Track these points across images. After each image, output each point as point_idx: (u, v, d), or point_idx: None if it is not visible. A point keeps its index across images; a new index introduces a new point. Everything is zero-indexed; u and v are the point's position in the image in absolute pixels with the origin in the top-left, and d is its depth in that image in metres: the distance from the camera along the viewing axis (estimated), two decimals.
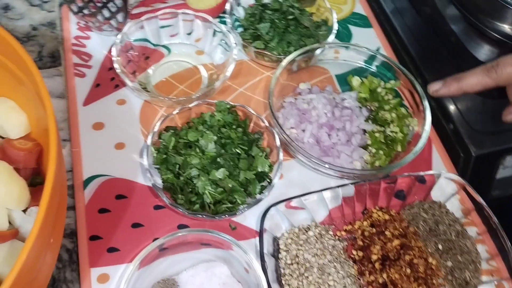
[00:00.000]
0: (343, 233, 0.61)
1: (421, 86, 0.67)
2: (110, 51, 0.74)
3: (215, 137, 0.58)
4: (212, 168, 0.57)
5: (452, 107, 0.76)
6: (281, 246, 0.58)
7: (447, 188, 0.63)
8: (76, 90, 0.70)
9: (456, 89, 0.62)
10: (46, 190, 0.40)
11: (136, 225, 0.60)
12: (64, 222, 0.49)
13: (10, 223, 0.53)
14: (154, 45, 0.75)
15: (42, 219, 0.39)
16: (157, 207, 0.62)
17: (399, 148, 0.64)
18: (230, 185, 0.56)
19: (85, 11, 0.74)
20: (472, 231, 0.61)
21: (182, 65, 0.74)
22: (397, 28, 0.85)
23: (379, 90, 0.68)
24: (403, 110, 0.67)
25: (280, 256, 0.58)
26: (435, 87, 0.64)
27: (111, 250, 0.58)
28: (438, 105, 0.75)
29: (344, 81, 0.74)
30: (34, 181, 0.57)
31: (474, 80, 0.61)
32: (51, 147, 0.42)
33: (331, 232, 0.60)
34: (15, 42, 0.49)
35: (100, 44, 0.75)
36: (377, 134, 0.65)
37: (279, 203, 0.59)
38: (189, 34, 0.76)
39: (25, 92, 0.54)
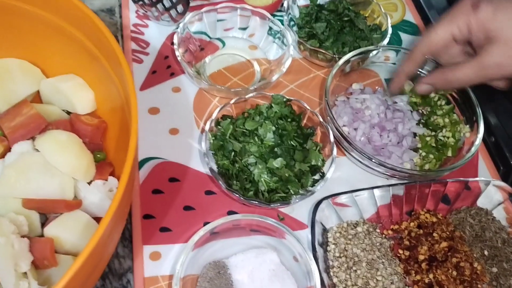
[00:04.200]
0: (390, 232, 0.62)
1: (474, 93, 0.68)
2: (167, 40, 0.76)
3: (273, 127, 0.60)
4: (270, 157, 0.58)
5: (493, 120, 0.76)
6: (330, 239, 0.59)
7: (495, 195, 0.63)
8: (133, 75, 0.72)
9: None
10: (128, 161, 0.41)
11: (187, 208, 0.62)
12: (132, 195, 0.51)
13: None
14: (209, 37, 0.77)
15: (124, 187, 0.40)
16: (208, 193, 0.63)
17: (449, 153, 0.65)
18: (286, 175, 0.58)
19: (146, 1, 0.76)
20: None
21: (236, 59, 0.76)
22: None
23: (432, 95, 0.69)
24: (455, 116, 0.68)
25: (328, 248, 0.59)
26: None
27: (163, 229, 0.60)
28: None
29: None
30: (96, 156, 0.58)
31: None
32: (133, 121, 0.44)
33: (378, 230, 0.61)
34: (96, 17, 0.50)
35: (157, 33, 0.78)
36: (428, 138, 0.66)
37: (330, 197, 0.60)
38: (243, 29, 0.78)
39: (96, 69, 0.56)
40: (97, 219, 0.54)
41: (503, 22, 0.54)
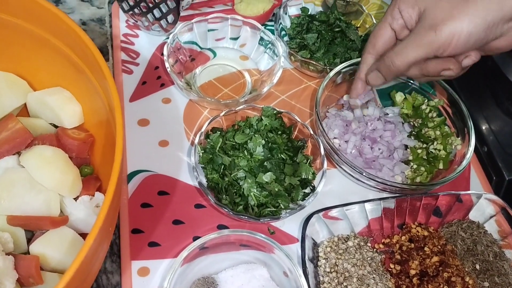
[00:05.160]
0: (381, 246, 0.61)
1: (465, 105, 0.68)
2: (158, 50, 0.76)
3: (263, 141, 0.59)
4: (259, 171, 0.57)
5: (486, 130, 0.76)
6: (320, 254, 0.59)
7: (487, 209, 0.63)
8: (123, 86, 0.71)
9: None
10: (113, 179, 0.41)
11: (177, 222, 0.61)
12: (118, 211, 0.50)
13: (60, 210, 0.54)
14: (200, 47, 0.76)
15: (108, 206, 0.40)
16: (198, 206, 0.63)
17: (441, 166, 0.64)
18: (276, 189, 0.57)
19: (136, 10, 0.76)
20: (510, 253, 0.61)
21: (227, 69, 0.75)
22: None
23: (423, 107, 0.69)
24: (446, 128, 0.67)
25: (319, 263, 0.58)
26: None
27: (152, 244, 0.59)
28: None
29: (384, 95, 0.74)
30: (83, 171, 0.58)
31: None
32: (118, 138, 0.43)
33: (369, 244, 0.61)
34: (81, 31, 0.50)
35: (147, 43, 0.77)
36: (419, 151, 0.66)
37: (321, 211, 0.59)
38: (234, 39, 0.77)
39: (83, 82, 0.55)
40: (84, 235, 0.53)
41: None
